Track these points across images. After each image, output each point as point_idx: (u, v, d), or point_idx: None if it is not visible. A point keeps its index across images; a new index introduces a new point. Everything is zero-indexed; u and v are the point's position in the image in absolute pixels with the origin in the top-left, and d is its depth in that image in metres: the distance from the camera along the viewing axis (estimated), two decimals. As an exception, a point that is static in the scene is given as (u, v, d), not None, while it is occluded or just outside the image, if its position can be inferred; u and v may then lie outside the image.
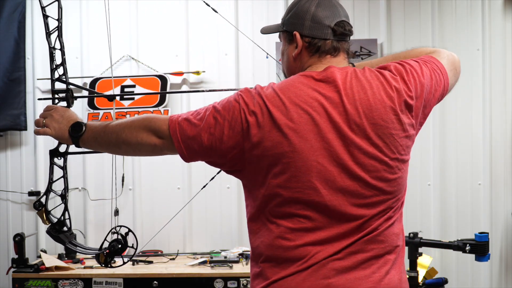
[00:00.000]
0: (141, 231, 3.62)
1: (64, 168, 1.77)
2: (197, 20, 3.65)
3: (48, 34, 1.80)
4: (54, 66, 1.79)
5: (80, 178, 3.66)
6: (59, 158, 1.76)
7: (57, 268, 3.15)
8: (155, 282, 3.07)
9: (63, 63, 1.79)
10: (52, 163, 1.75)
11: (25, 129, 3.63)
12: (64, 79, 1.79)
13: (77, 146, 1.57)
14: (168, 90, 3.59)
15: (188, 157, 1.44)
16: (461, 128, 3.58)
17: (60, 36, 1.80)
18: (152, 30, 3.65)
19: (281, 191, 1.34)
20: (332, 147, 1.33)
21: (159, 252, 3.54)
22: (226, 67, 3.63)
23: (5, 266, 3.38)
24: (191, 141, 1.40)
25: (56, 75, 1.80)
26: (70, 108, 1.68)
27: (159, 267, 3.24)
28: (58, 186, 1.78)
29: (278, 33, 1.57)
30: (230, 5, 3.59)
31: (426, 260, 2.83)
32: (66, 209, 1.73)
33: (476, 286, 3.54)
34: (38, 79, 3.65)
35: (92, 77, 3.60)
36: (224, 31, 3.60)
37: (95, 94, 3.44)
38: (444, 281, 2.71)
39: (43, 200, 1.72)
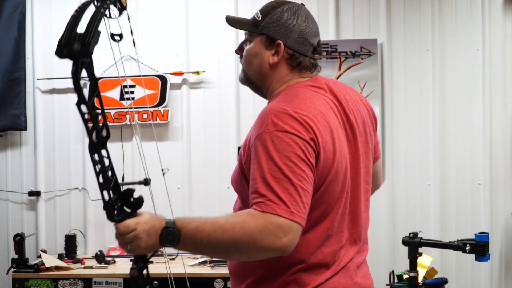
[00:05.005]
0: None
1: (108, 158, 1.40)
2: (197, 20, 3.65)
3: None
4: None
5: (80, 178, 3.66)
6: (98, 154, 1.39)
7: (57, 268, 3.15)
8: (155, 282, 3.05)
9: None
10: (94, 161, 1.37)
11: (25, 129, 3.63)
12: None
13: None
14: (168, 90, 3.59)
15: None
16: (461, 128, 3.58)
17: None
18: (152, 30, 3.65)
19: (323, 198, 1.35)
20: (352, 153, 1.41)
21: (159, 252, 3.54)
22: (226, 67, 3.63)
23: (5, 266, 3.37)
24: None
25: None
26: (143, 214, 1.33)
27: (159, 267, 3.23)
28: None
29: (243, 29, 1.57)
30: (230, 5, 3.60)
31: (426, 260, 2.83)
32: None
33: (476, 286, 3.54)
34: (38, 79, 3.65)
35: (92, 77, 3.59)
36: (224, 31, 3.60)
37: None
38: (444, 281, 2.71)
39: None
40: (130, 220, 1.29)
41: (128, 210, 1.34)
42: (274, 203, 1.21)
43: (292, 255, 1.30)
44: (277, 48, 1.46)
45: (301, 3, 1.53)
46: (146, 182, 1.42)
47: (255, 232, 1.19)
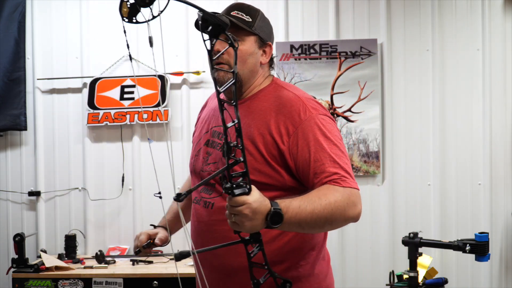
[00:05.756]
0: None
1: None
2: (197, 20, 3.64)
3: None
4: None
5: (80, 178, 3.66)
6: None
7: (57, 268, 3.15)
8: (155, 282, 3.07)
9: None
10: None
11: (25, 129, 3.63)
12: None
13: None
14: (168, 90, 3.59)
15: None
16: (461, 128, 3.57)
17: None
18: (152, 30, 3.65)
19: None
20: None
21: (159, 252, 3.53)
22: (226, 67, 3.62)
23: (5, 266, 3.37)
24: None
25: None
26: (254, 192, 1.27)
27: (159, 267, 3.24)
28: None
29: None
30: (230, 5, 3.60)
31: (426, 260, 2.82)
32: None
33: (476, 286, 3.54)
34: (38, 79, 3.64)
35: (92, 77, 3.60)
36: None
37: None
38: (444, 281, 2.71)
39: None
40: (240, 197, 1.25)
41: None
42: (347, 178, 1.40)
43: (324, 234, 1.61)
44: (266, 49, 1.61)
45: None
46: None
47: (345, 206, 1.36)
